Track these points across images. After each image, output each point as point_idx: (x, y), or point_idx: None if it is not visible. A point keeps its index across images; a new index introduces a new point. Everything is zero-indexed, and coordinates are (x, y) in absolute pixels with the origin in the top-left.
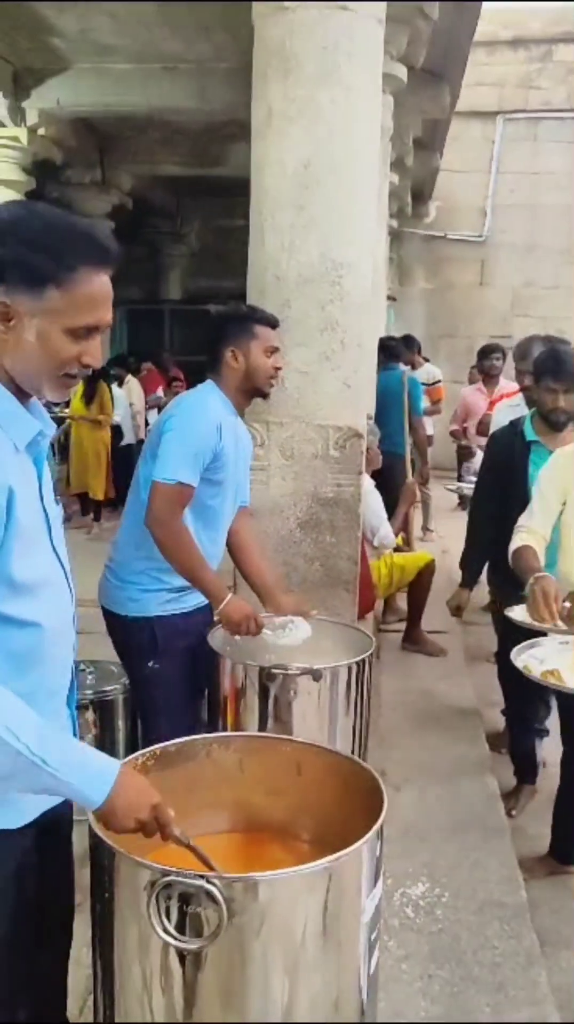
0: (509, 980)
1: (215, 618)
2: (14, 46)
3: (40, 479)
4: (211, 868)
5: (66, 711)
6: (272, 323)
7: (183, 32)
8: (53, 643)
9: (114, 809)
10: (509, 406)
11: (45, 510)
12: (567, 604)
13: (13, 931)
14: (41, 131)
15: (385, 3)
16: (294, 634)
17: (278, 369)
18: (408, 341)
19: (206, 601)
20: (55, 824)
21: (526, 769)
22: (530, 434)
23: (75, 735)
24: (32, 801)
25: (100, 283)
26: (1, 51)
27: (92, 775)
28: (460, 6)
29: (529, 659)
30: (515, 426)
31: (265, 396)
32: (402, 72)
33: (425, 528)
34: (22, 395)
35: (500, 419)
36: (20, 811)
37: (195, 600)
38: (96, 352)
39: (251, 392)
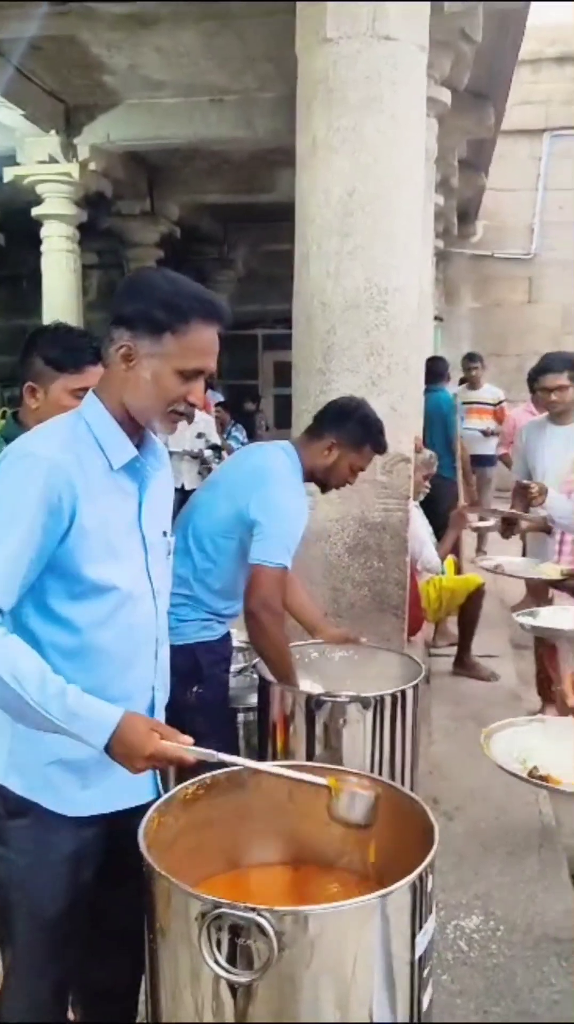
0: (567, 1018)
1: None
2: (66, 84)
3: (140, 504)
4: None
5: None
6: (381, 451)
7: (228, 64)
8: (119, 653)
9: (117, 754)
10: (536, 426)
11: (143, 532)
12: None
13: (67, 913)
14: (92, 165)
15: (427, 30)
16: None
17: (348, 485)
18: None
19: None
20: (128, 828)
21: None
22: None
23: None
24: (90, 799)
25: (209, 335)
26: (55, 89)
27: (92, 725)
28: (504, 26)
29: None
30: None
31: (323, 490)
32: (446, 95)
33: (479, 550)
34: (134, 428)
35: (530, 443)
36: (74, 804)
37: (225, 628)
38: (200, 393)
39: (316, 480)
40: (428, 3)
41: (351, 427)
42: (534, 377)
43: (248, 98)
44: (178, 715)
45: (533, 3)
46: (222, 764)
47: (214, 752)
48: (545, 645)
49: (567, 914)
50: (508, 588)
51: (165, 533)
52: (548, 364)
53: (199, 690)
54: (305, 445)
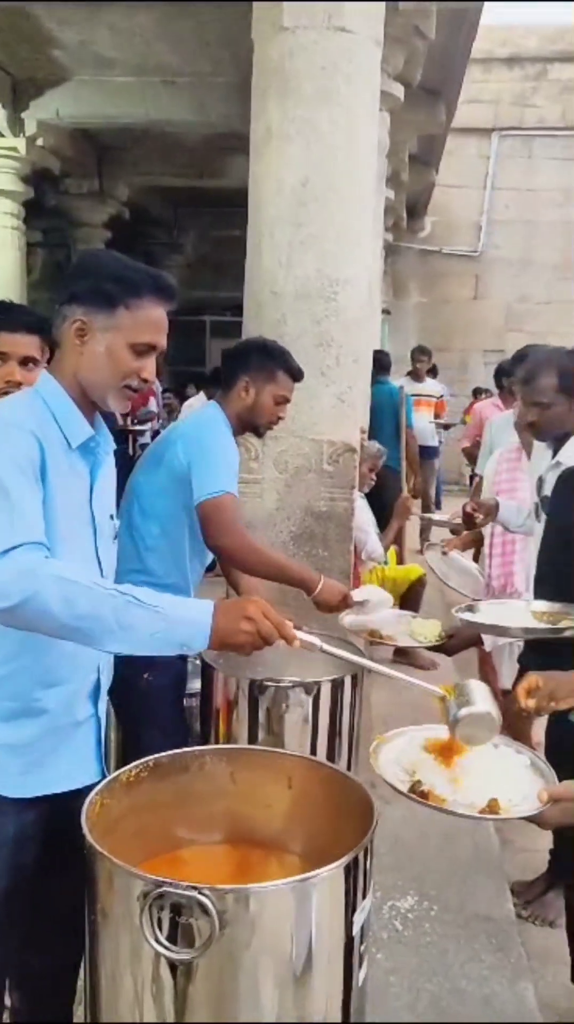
0: (496, 994)
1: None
2: (14, 57)
3: (92, 485)
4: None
5: (87, 706)
6: (295, 375)
7: (183, 46)
8: None
9: (218, 628)
10: (505, 421)
11: (93, 514)
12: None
13: (7, 896)
14: (39, 141)
15: (382, 24)
16: (377, 610)
17: (280, 419)
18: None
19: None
20: (71, 810)
21: None
22: None
23: (100, 731)
24: (32, 781)
25: (160, 313)
26: (1, 61)
27: (191, 607)
28: (457, 25)
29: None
30: None
31: (258, 435)
32: (399, 90)
33: (423, 539)
34: (89, 409)
35: (500, 440)
36: (16, 785)
37: None
38: (152, 370)
39: (248, 426)
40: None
41: (256, 360)
42: (509, 371)
43: (202, 82)
44: (129, 701)
45: (486, 3)
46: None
47: (318, 642)
48: (485, 651)
49: (498, 893)
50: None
51: (112, 517)
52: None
53: (150, 677)
54: (224, 398)
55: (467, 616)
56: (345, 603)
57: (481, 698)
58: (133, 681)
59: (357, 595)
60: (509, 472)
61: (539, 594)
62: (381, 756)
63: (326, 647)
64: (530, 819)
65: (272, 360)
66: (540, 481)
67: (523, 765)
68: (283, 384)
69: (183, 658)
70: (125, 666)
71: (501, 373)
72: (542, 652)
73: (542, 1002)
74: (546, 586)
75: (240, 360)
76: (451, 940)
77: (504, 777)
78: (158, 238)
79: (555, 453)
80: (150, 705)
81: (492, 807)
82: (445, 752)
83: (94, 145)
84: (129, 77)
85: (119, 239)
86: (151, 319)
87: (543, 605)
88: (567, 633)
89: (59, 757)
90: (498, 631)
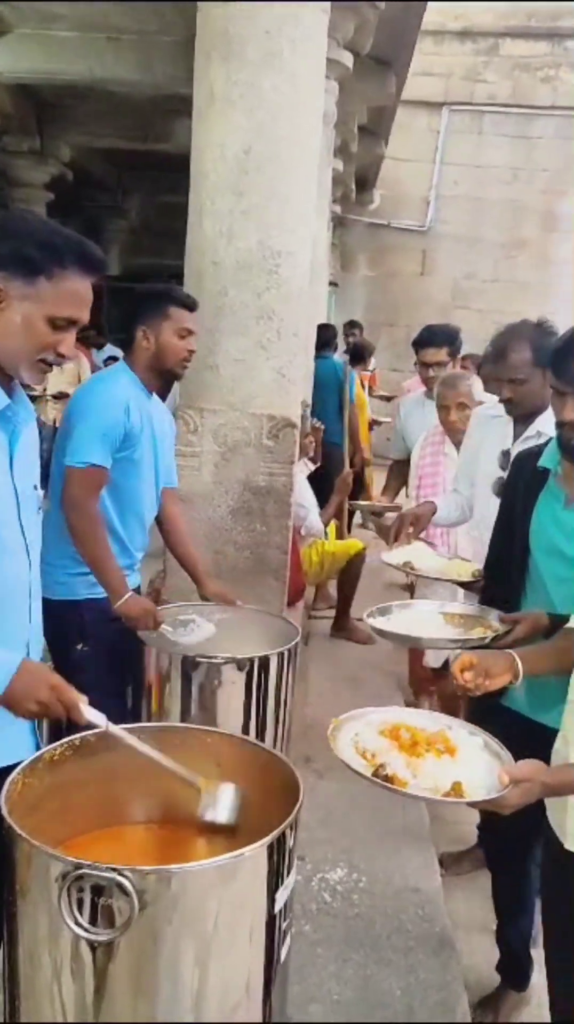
0: (420, 963)
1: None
2: None
3: (12, 456)
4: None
5: None
6: (188, 305)
7: (129, 3)
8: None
9: (14, 693)
10: (414, 402)
11: (14, 485)
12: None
13: None
14: None
15: None
16: (195, 634)
17: (191, 352)
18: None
19: (132, 586)
20: None
21: (515, 966)
22: (547, 460)
23: None
24: None
25: (84, 285)
26: None
27: None
28: None
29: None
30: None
31: (178, 378)
32: (348, 59)
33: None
34: (6, 378)
35: (409, 420)
36: None
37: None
38: (71, 345)
39: (163, 373)
40: None
41: (145, 306)
42: (415, 349)
43: (147, 40)
44: (64, 672)
45: None
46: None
47: (106, 720)
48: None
49: (425, 865)
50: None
51: (36, 487)
52: (429, 338)
53: (84, 648)
54: (129, 356)
55: (378, 623)
56: (154, 621)
57: (225, 807)
58: (68, 652)
59: (181, 619)
60: (433, 456)
61: (489, 578)
62: (339, 739)
63: (112, 728)
64: (492, 802)
65: (159, 299)
66: (506, 455)
67: (478, 747)
68: (178, 317)
69: (120, 631)
70: (58, 637)
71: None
72: None
73: (467, 969)
74: (495, 570)
75: (131, 315)
76: (378, 911)
77: (461, 759)
78: (102, 202)
79: (517, 427)
80: (84, 678)
81: (456, 790)
82: (410, 744)
83: (35, 102)
84: (72, 32)
85: (61, 202)
86: (73, 292)
87: (457, 607)
88: (473, 643)
89: None
90: (410, 642)
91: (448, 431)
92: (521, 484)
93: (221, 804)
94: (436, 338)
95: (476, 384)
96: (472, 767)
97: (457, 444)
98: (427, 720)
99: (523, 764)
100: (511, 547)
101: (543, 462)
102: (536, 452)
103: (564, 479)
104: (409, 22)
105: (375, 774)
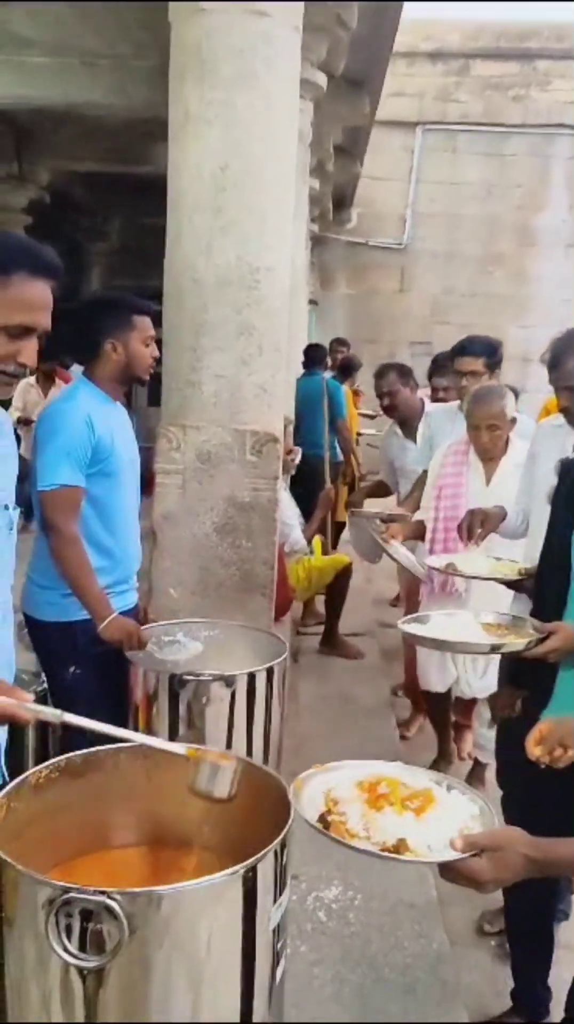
0: (419, 981)
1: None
2: None
3: None
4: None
5: None
6: (150, 312)
7: (102, 28)
8: None
9: None
10: (445, 413)
11: None
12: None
13: None
14: None
15: (302, 11)
16: (182, 652)
17: (155, 358)
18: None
19: (130, 605)
20: None
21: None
22: None
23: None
24: None
25: (36, 289)
26: None
27: None
28: (379, 15)
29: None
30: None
31: (142, 383)
32: (322, 79)
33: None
34: None
35: (439, 432)
36: None
37: (118, 604)
38: (31, 353)
39: (129, 381)
40: None
41: (108, 316)
42: (451, 357)
43: (122, 64)
44: (56, 694)
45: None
46: (72, 729)
47: (58, 711)
48: (413, 651)
49: (421, 879)
50: (375, 568)
51: (7, 507)
52: (466, 345)
53: (76, 670)
54: (91, 369)
55: (412, 629)
56: (139, 641)
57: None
58: (60, 674)
59: (166, 639)
60: (455, 467)
61: (538, 588)
62: (303, 794)
63: (67, 717)
64: (454, 870)
65: (123, 310)
66: (564, 464)
67: (470, 814)
68: (143, 326)
69: (113, 652)
70: (50, 658)
71: (437, 365)
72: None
73: (465, 986)
74: (545, 579)
75: (92, 327)
76: (374, 929)
77: (430, 819)
78: (82, 225)
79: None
80: (77, 699)
81: (399, 847)
82: (374, 798)
83: (12, 127)
84: (46, 58)
85: (41, 225)
86: (26, 298)
87: (492, 617)
88: (504, 650)
89: None
90: (444, 647)
91: (478, 452)
92: (563, 490)
93: (217, 774)
94: (473, 347)
95: (510, 400)
96: (437, 828)
97: (484, 461)
98: (422, 778)
99: (497, 831)
100: (555, 555)
101: None
102: None
103: None
104: (381, 43)
105: (320, 819)
